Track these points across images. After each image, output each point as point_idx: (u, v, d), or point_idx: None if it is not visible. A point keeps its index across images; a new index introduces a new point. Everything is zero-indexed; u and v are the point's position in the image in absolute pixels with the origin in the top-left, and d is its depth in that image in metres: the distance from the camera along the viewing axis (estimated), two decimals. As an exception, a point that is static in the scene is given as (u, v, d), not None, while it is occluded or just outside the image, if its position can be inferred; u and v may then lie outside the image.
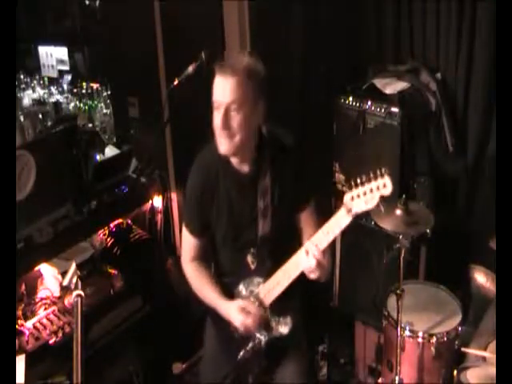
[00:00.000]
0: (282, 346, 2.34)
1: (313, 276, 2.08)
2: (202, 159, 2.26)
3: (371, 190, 1.87)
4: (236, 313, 2.18)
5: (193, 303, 2.44)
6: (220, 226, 2.25)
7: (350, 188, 1.92)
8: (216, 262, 2.38)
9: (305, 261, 2.06)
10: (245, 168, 2.18)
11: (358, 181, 1.89)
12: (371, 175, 1.87)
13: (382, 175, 1.86)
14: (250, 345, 2.28)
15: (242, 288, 2.27)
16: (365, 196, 1.89)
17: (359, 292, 3.24)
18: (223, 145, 2.07)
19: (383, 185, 1.86)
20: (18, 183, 2.54)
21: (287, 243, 2.20)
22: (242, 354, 2.29)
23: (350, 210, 1.92)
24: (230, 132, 2.04)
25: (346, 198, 1.92)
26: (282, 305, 2.23)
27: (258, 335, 2.26)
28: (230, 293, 2.28)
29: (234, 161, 2.17)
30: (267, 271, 2.21)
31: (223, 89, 2.01)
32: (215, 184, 2.21)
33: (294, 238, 2.27)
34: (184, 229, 2.34)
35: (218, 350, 2.44)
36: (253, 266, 2.25)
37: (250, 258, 2.24)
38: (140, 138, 3.41)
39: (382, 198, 1.88)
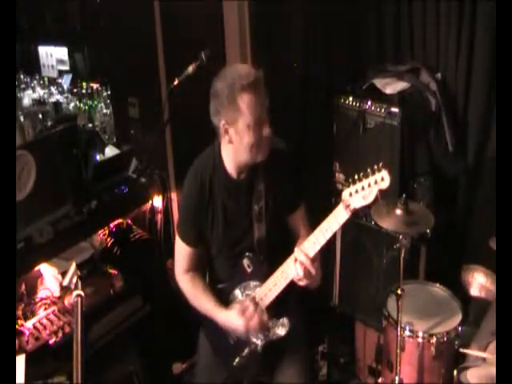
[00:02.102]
0: (282, 346, 2.34)
1: (301, 283, 2.08)
2: (195, 168, 2.27)
3: (369, 185, 1.86)
4: (236, 318, 2.18)
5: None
6: (216, 233, 2.26)
7: (348, 184, 1.91)
8: (211, 269, 2.38)
9: (293, 269, 2.06)
10: (242, 175, 2.19)
11: (356, 177, 1.89)
12: (369, 170, 1.87)
13: (379, 169, 1.86)
14: (246, 350, 2.28)
15: (237, 293, 2.27)
16: (363, 191, 1.88)
17: (359, 292, 3.24)
18: (265, 152, 2.11)
19: (381, 178, 1.85)
20: (18, 183, 2.54)
21: (283, 245, 2.20)
22: (237, 360, 2.28)
23: (348, 206, 1.91)
24: (266, 141, 2.08)
25: (345, 194, 1.92)
26: (278, 306, 2.23)
27: (253, 340, 2.25)
28: (225, 298, 2.28)
29: (233, 169, 2.18)
30: (264, 274, 2.21)
31: (261, 104, 2.03)
32: (210, 193, 2.22)
33: (289, 239, 2.27)
34: (178, 239, 2.33)
35: (213, 359, 2.43)
36: (249, 270, 2.24)
37: (246, 263, 2.24)
38: (140, 137, 3.42)
39: (381, 192, 1.87)
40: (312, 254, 2.04)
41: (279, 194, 2.20)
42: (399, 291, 2.61)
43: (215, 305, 2.26)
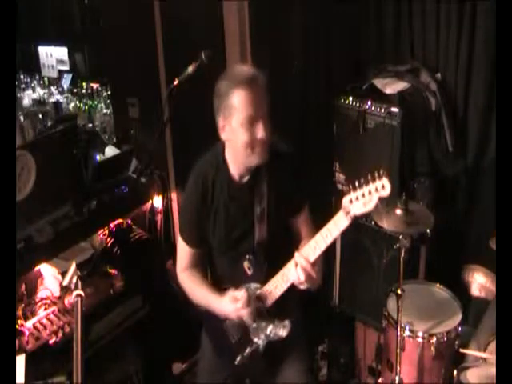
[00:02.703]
0: (282, 346, 2.34)
1: (302, 287, 2.09)
2: (199, 169, 2.26)
3: (369, 192, 1.87)
4: (228, 303, 2.18)
5: (193, 303, 2.43)
6: (217, 233, 2.26)
7: (349, 191, 1.91)
8: (212, 269, 2.38)
9: (293, 273, 2.07)
10: (244, 176, 2.19)
11: (356, 183, 1.89)
12: (369, 177, 1.87)
13: (380, 177, 1.85)
14: (248, 350, 2.28)
15: None
16: (363, 198, 1.88)
17: (359, 292, 3.24)
18: (261, 156, 2.09)
19: (382, 186, 1.85)
20: (17, 183, 2.53)
21: (284, 248, 2.19)
22: (239, 359, 2.29)
23: (348, 213, 1.92)
24: (267, 142, 2.06)
25: (345, 200, 1.92)
26: (280, 308, 2.23)
27: (255, 340, 2.25)
28: None
29: (236, 171, 2.18)
30: (264, 277, 2.21)
31: (255, 102, 2.01)
32: (212, 193, 2.22)
33: (291, 242, 2.27)
34: (180, 238, 2.34)
35: (214, 358, 2.44)
36: (249, 272, 2.24)
37: (246, 264, 2.24)
38: (140, 138, 3.41)
39: (381, 200, 1.87)
40: (312, 258, 2.04)
41: (282, 197, 2.19)
42: (399, 291, 2.61)
43: (210, 292, 2.26)
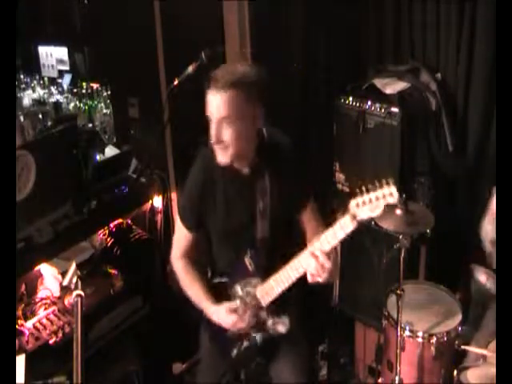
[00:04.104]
0: (281, 344, 2.34)
1: (319, 279, 2.05)
2: (203, 157, 2.26)
3: (377, 198, 1.87)
4: (225, 315, 2.20)
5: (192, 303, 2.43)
6: (217, 225, 2.26)
7: (356, 194, 1.91)
8: (213, 262, 2.39)
9: (311, 264, 2.04)
10: (245, 169, 2.19)
11: (364, 188, 1.89)
12: (377, 183, 1.87)
13: (388, 184, 1.86)
14: (245, 344, 2.28)
15: (238, 289, 2.27)
16: (370, 203, 1.88)
17: (359, 292, 3.24)
18: (219, 156, 2.10)
19: (389, 193, 1.86)
20: (17, 183, 2.53)
21: (286, 244, 2.20)
22: (235, 351, 2.29)
23: (354, 217, 1.92)
24: (223, 145, 2.05)
25: (352, 204, 1.91)
26: (279, 305, 2.23)
27: (253, 334, 2.26)
28: (226, 293, 2.29)
29: (235, 163, 2.17)
30: (265, 272, 2.21)
31: (214, 104, 2.01)
32: (214, 183, 2.22)
33: (293, 239, 2.27)
34: (178, 222, 2.34)
35: (214, 351, 2.44)
36: (251, 267, 2.24)
37: (247, 259, 2.24)
38: (140, 138, 3.42)
39: (387, 206, 1.88)
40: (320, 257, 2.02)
41: (284, 192, 2.19)
42: (399, 291, 2.61)
43: (205, 297, 2.27)
